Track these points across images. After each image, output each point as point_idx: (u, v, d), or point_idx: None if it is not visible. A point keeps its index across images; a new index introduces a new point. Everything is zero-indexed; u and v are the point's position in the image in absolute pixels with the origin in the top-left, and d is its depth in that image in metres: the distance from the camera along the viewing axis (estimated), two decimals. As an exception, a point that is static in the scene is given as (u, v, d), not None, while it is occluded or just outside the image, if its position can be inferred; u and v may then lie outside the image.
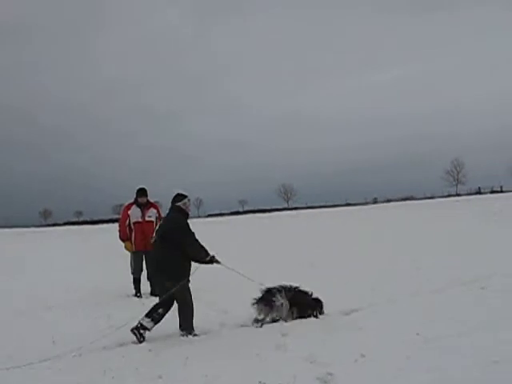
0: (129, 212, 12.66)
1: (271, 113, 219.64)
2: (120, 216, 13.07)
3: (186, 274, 8.77)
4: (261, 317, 8.82)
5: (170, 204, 8.97)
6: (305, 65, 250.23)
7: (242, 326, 8.74)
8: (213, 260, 8.96)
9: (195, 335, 8.36)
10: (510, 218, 29.66)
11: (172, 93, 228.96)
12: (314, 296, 9.11)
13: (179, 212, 8.92)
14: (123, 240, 12.68)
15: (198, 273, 14.57)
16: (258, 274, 9.48)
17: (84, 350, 7.55)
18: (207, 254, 8.80)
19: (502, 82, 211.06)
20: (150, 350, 7.38)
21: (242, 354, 6.91)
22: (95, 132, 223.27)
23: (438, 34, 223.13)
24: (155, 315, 8.42)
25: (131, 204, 12.77)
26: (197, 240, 8.66)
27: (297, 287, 9.15)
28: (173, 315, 9.55)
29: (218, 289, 12.35)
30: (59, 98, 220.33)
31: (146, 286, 12.45)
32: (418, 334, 7.13)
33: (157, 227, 9.31)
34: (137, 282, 12.54)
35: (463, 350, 6.35)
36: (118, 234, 12.80)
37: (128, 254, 12.83)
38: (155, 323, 8.36)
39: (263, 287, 9.12)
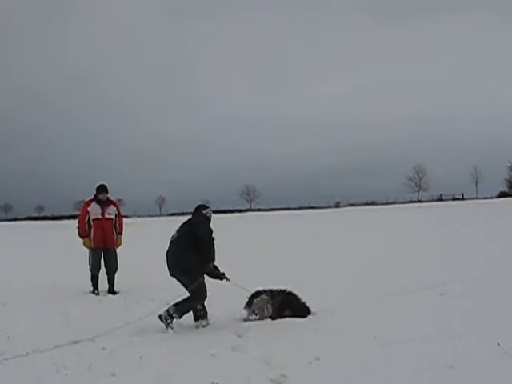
0: (88, 208, 12.55)
1: (237, 115, 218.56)
2: (79, 212, 12.96)
3: (201, 271, 8.94)
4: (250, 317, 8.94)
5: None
6: (276, 68, 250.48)
7: (197, 326, 8.73)
8: (222, 277, 9.31)
9: (171, 324, 8.45)
10: (470, 225, 30.04)
11: (138, 89, 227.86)
12: (303, 301, 9.18)
13: (204, 217, 9.14)
14: (82, 236, 12.54)
15: (154, 273, 14.58)
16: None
17: (38, 346, 7.42)
18: (216, 269, 9.27)
19: (465, 92, 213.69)
20: (103, 348, 7.29)
21: (197, 353, 6.85)
22: (59, 126, 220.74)
23: (404, 42, 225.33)
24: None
25: (91, 200, 12.66)
26: (214, 245, 8.91)
27: (286, 291, 9.26)
28: (128, 315, 9.52)
29: (175, 288, 12.29)
30: (22, 87, 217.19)
31: (104, 283, 12.38)
32: (374, 337, 7.15)
33: (178, 227, 9.24)
34: (95, 279, 12.44)
35: (418, 354, 6.37)
36: (77, 230, 12.65)
37: (87, 251, 12.71)
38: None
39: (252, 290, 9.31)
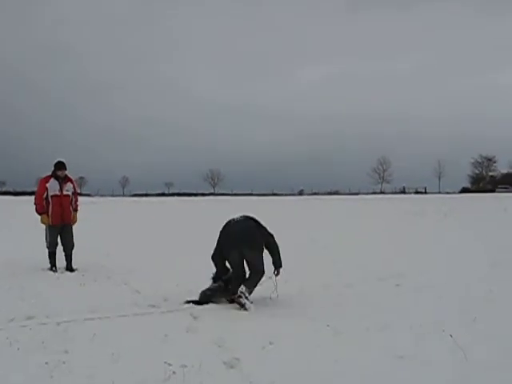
0: (47, 185, 12.40)
1: (208, 100, 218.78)
2: (36, 188, 12.83)
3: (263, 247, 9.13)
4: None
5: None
6: (252, 57, 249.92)
7: (153, 306, 8.67)
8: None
9: (246, 302, 8.53)
10: (430, 218, 30.40)
11: (112, 67, 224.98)
12: None
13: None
14: (40, 213, 12.42)
15: (114, 252, 14.54)
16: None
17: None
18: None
19: (433, 87, 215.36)
20: (57, 324, 7.25)
21: (151, 334, 6.85)
22: (27, 98, 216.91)
23: (375, 34, 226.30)
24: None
25: (49, 177, 12.52)
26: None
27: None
28: (84, 293, 9.51)
29: (132, 269, 12.29)
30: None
31: (61, 260, 12.31)
32: (328, 325, 7.21)
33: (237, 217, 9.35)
34: (52, 257, 12.33)
35: (371, 343, 6.47)
36: (34, 206, 12.55)
37: (43, 228, 12.63)
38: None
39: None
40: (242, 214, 9.44)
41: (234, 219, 9.30)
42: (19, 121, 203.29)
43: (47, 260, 12.27)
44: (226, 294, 9.06)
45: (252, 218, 9.30)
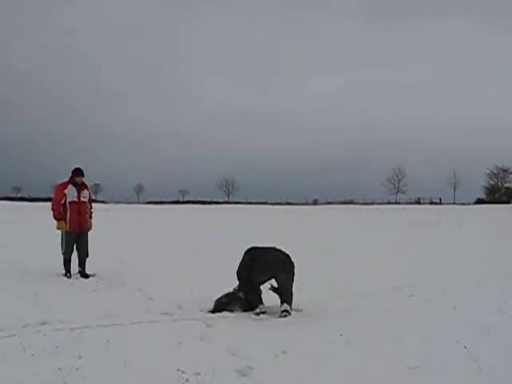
0: (65, 191, 12.44)
1: (222, 108, 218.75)
2: (54, 194, 12.81)
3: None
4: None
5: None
6: (261, 65, 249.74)
7: (167, 313, 8.68)
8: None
9: (296, 311, 8.91)
10: (445, 229, 30.29)
11: (125, 76, 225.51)
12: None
13: None
14: (58, 219, 12.43)
15: (128, 259, 14.59)
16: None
17: (5, 325, 7.41)
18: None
19: (450, 98, 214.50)
20: (71, 330, 7.28)
21: (164, 341, 6.87)
22: (41, 105, 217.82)
23: (391, 45, 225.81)
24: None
25: (67, 183, 12.55)
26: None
27: None
28: (98, 299, 9.54)
29: (146, 276, 12.32)
30: (8, 66, 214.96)
31: (74, 266, 12.35)
32: (341, 335, 7.20)
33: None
34: (68, 263, 12.35)
35: (385, 353, 6.45)
36: (52, 212, 12.54)
37: (59, 234, 12.66)
38: None
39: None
40: (265, 244, 9.74)
41: (263, 247, 9.54)
42: (34, 127, 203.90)
43: (61, 266, 12.29)
44: (242, 304, 9.08)
45: (281, 250, 9.51)
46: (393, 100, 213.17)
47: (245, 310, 8.97)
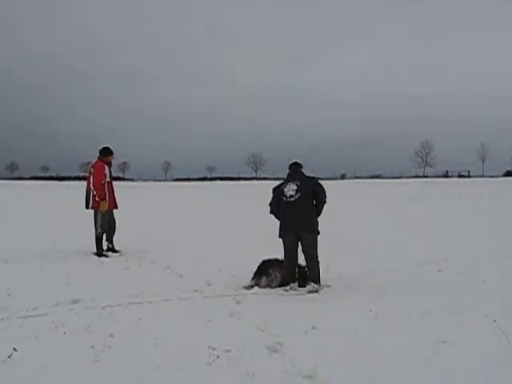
0: (104, 171, 12.56)
1: (250, 84, 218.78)
2: (93, 174, 12.58)
3: (318, 228, 9.22)
4: (257, 284, 8.99)
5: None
6: (291, 40, 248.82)
7: (196, 290, 8.75)
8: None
9: (323, 287, 8.88)
10: (474, 202, 30.03)
11: (152, 54, 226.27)
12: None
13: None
14: (103, 199, 12.47)
15: (157, 237, 14.67)
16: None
17: (38, 304, 7.53)
18: None
19: (477, 70, 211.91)
20: (103, 309, 7.36)
21: (195, 318, 6.93)
22: (70, 86, 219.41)
23: (416, 21, 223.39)
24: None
25: (102, 163, 12.64)
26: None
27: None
28: (128, 277, 9.61)
29: (175, 254, 12.37)
30: (28, 45, 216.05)
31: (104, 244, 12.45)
32: (370, 310, 7.18)
33: (293, 186, 9.30)
34: (101, 241, 12.46)
35: (413, 329, 6.42)
36: (95, 193, 12.43)
37: (89, 213, 12.76)
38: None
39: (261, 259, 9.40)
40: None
41: (289, 196, 9.21)
42: (61, 108, 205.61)
43: (91, 245, 12.37)
44: (281, 270, 9.13)
45: (307, 193, 9.21)
46: (418, 73, 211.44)
47: (279, 285, 9.01)
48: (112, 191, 12.70)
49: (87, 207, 12.65)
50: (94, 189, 12.43)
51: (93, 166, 12.71)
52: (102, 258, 11.88)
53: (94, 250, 12.36)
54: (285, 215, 9.12)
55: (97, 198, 12.43)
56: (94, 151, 12.64)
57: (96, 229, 12.49)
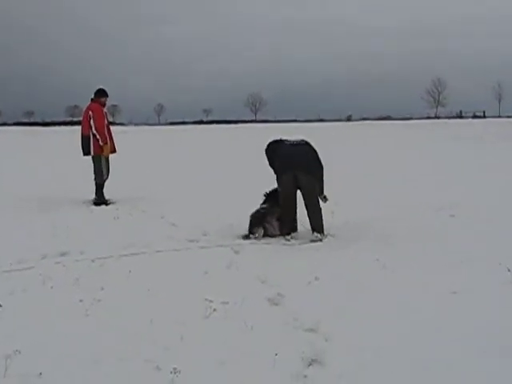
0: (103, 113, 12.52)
1: (250, 17, 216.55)
2: (93, 118, 12.41)
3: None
4: (254, 234, 8.98)
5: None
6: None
7: (191, 241, 8.77)
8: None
9: (327, 235, 8.86)
10: (488, 144, 29.94)
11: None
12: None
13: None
14: (105, 143, 12.45)
15: (149, 185, 14.65)
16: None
17: (25, 257, 7.58)
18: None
19: (492, 4, 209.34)
20: (92, 261, 7.39)
21: (190, 270, 6.97)
22: (57, 25, 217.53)
23: None
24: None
25: (99, 105, 12.56)
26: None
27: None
28: (119, 227, 9.64)
29: (169, 201, 12.37)
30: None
31: (88, 193, 12.49)
32: (377, 259, 7.21)
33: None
34: (102, 189, 12.51)
35: (422, 279, 6.44)
36: (96, 138, 12.36)
37: (86, 160, 12.78)
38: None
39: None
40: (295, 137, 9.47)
41: (288, 141, 9.31)
42: (48, 48, 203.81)
43: (79, 193, 12.36)
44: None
45: (309, 144, 9.25)
46: (430, 4, 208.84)
47: (277, 234, 9.03)
48: (110, 134, 12.63)
49: (87, 153, 12.51)
50: (97, 133, 12.32)
51: (91, 109, 12.52)
52: (91, 207, 11.86)
53: (85, 198, 12.37)
54: (284, 156, 9.08)
55: (100, 142, 12.36)
56: (84, 94, 12.49)
57: (101, 175, 12.47)
